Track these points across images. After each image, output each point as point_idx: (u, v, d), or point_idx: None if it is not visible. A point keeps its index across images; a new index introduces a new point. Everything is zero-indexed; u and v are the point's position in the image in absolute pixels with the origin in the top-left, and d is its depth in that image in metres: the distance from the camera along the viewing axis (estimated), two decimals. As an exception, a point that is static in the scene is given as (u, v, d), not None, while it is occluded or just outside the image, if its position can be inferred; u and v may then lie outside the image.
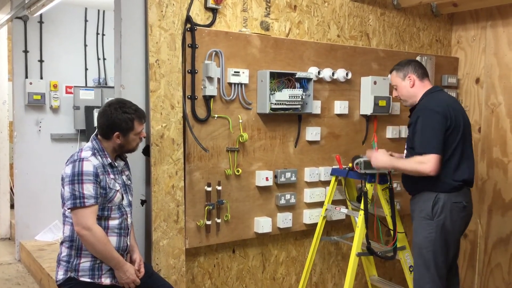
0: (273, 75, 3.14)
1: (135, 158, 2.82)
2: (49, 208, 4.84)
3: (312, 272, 3.30)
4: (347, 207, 3.48)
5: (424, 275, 2.88)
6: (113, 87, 3.98)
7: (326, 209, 3.35)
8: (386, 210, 3.30)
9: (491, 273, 4.13)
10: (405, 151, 3.05)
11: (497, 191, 4.06)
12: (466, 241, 4.31)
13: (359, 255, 3.21)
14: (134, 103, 2.52)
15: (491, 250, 4.13)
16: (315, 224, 3.41)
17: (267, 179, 3.23)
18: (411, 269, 3.32)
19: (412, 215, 3.00)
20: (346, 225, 3.65)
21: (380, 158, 2.96)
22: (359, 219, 3.22)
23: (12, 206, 5.54)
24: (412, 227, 2.98)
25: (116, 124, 2.41)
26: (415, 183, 2.92)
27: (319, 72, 3.39)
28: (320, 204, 3.45)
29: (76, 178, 2.33)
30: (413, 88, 2.97)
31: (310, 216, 3.46)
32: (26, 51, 4.83)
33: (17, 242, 4.95)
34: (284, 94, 3.15)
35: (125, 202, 2.52)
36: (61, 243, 2.49)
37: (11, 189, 5.77)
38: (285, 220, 3.35)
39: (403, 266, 3.33)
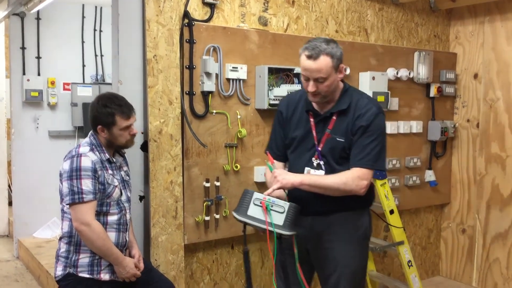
0: (271, 71, 3.13)
1: (133, 154, 2.82)
2: (47, 205, 4.82)
3: (311, 267, 3.31)
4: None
5: None
6: (110, 84, 3.97)
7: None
8: (385, 206, 3.30)
9: (490, 268, 4.14)
10: (317, 164, 2.33)
11: (495, 186, 4.07)
12: (465, 236, 4.32)
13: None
14: (125, 98, 2.49)
15: (490, 245, 4.14)
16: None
17: (265, 175, 3.22)
18: (409, 264, 3.33)
19: (333, 238, 2.35)
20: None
21: (288, 175, 2.24)
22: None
23: (10, 203, 5.53)
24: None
25: (97, 118, 2.43)
26: (343, 198, 2.28)
27: (317, 68, 3.38)
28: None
29: (75, 173, 2.32)
30: (338, 82, 2.31)
31: (308, 212, 3.46)
32: (23, 48, 4.81)
33: (15, 239, 4.94)
34: (283, 90, 3.14)
35: (123, 197, 2.51)
36: (60, 239, 2.48)
37: (9, 186, 5.76)
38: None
39: (401, 261, 3.33)
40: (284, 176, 2.20)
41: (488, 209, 4.14)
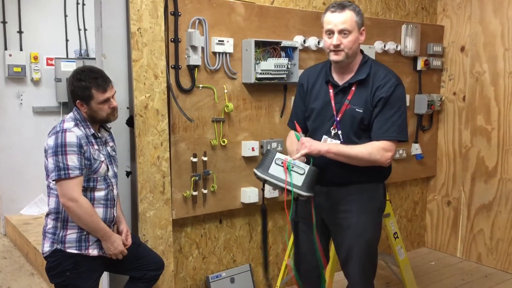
0: (258, 44, 3.10)
1: (119, 129, 2.79)
2: (34, 182, 4.79)
3: (298, 240, 3.35)
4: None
5: (371, 274, 2.53)
6: (95, 59, 3.90)
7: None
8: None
9: (474, 239, 4.22)
10: (335, 135, 2.36)
11: (481, 159, 4.12)
12: (450, 208, 4.38)
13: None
14: (102, 71, 2.44)
15: (474, 217, 4.21)
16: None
17: (253, 149, 3.22)
18: (395, 236, 3.38)
19: (349, 208, 2.40)
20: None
21: (315, 142, 2.28)
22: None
23: (-5, 181, 5.48)
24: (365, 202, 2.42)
25: (74, 92, 2.39)
26: (361, 170, 2.33)
27: (304, 41, 3.35)
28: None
29: (60, 149, 2.29)
30: (359, 48, 2.35)
31: (296, 186, 3.47)
32: (4, 22, 4.70)
33: (2, 216, 4.92)
34: (270, 63, 3.11)
35: (110, 173, 2.49)
36: (47, 215, 2.46)
37: (-6, 164, 5.69)
38: (271, 190, 3.36)
39: (387, 233, 3.38)
40: (311, 143, 2.26)
41: (473, 181, 4.19)
